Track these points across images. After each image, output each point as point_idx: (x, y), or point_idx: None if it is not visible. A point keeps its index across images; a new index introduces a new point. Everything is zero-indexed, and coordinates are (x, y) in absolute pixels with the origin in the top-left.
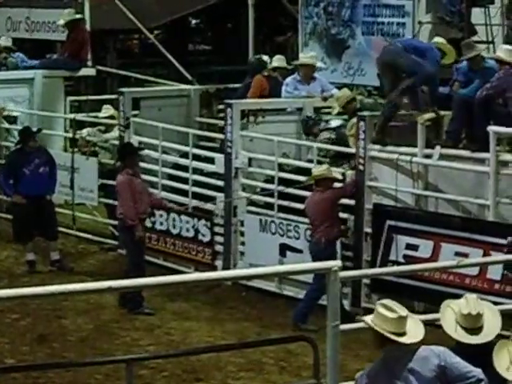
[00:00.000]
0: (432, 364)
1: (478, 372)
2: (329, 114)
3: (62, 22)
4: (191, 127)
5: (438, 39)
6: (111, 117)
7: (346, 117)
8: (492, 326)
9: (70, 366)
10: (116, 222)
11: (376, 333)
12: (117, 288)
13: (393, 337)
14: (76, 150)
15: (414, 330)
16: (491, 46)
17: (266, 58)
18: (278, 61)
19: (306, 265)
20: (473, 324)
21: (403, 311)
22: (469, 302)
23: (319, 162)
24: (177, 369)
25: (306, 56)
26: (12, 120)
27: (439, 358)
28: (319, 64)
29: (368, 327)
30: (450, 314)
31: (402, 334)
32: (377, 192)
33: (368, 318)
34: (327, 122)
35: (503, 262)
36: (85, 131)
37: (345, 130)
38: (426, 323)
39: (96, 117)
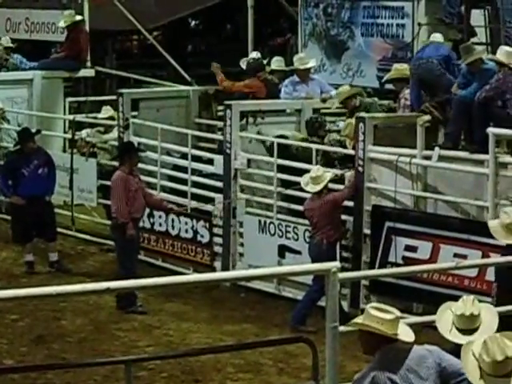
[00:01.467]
0: (429, 362)
1: None
2: (330, 114)
3: (62, 23)
4: (190, 128)
5: (436, 34)
6: (110, 118)
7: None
8: (488, 327)
9: (69, 366)
10: None
11: (371, 336)
12: (115, 289)
13: (398, 337)
14: (75, 150)
15: (405, 330)
16: (489, 47)
17: (255, 54)
18: (277, 63)
19: (305, 266)
20: (467, 325)
21: (396, 312)
22: (465, 304)
23: (323, 165)
24: (175, 370)
25: (299, 60)
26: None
27: (434, 356)
28: (311, 64)
29: (360, 333)
30: (447, 316)
31: (398, 334)
32: (376, 193)
33: (359, 322)
34: (334, 123)
35: (502, 263)
36: (84, 132)
37: None
38: (425, 325)
39: (95, 118)
